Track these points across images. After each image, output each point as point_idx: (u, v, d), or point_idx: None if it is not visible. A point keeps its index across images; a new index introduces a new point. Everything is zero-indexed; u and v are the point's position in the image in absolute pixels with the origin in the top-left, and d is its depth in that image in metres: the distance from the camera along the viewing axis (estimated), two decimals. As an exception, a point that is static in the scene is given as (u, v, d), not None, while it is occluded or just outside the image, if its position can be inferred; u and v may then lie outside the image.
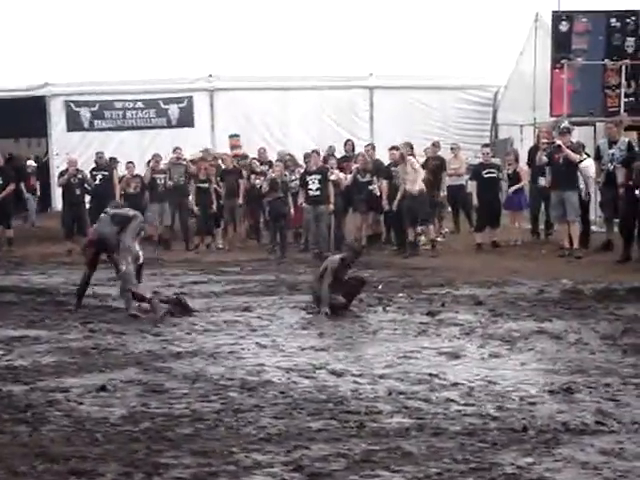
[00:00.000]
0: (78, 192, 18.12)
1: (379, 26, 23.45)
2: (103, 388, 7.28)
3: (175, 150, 18.80)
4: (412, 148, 16.77)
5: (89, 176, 18.44)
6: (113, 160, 19.22)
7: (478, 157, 19.23)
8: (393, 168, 16.68)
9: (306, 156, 17.68)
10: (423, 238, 16.58)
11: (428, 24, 23.48)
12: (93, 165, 18.89)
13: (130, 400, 6.99)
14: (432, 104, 22.47)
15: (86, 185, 18.17)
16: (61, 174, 18.86)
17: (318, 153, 17.39)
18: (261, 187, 17.57)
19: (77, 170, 18.18)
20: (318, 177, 16.73)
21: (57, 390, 7.27)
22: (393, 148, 16.68)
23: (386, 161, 17.17)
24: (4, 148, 28.59)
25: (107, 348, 8.93)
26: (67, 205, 18.40)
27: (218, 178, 18.34)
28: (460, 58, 22.28)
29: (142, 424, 6.36)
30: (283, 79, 22.02)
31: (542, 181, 16.40)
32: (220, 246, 18.10)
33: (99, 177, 18.50)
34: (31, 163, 26.02)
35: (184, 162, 18.50)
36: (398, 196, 16.11)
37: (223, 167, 18.59)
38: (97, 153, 19.21)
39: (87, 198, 18.55)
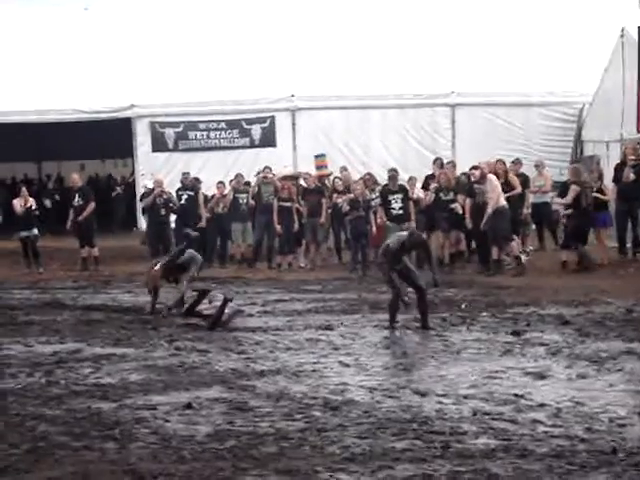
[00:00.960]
0: (163, 212, 18.34)
1: (461, 43, 23.38)
2: (189, 406, 7.37)
3: (265, 169, 18.90)
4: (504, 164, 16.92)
5: (175, 196, 18.69)
6: (197, 180, 19.44)
7: (563, 174, 18.98)
8: (476, 186, 16.54)
9: (389, 174, 17.58)
10: (508, 258, 16.38)
11: (511, 40, 23.32)
12: (178, 185, 19.11)
13: (215, 418, 7.06)
14: (515, 121, 22.25)
15: (171, 205, 18.41)
16: (143, 195, 19.14)
17: (396, 173, 17.40)
18: (342, 206, 17.60)
19: (162, 190, 18.43)
20: (400, 196, 16.71)
21: (144, 407, 7.39)
22: (474, 168, 16.53)
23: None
24: (91, 168, 29.45)
25: (192, 366, 9.03)
26: (152, 225, 18.65)
27: (299, 197, 18.41)
28: (544, 74, 22.05)
29: (227, 442, 6.42)
30: (364, 98, 22.05)
31: (458, 207, 16.48)
32: (302, 265, 18.16)
33: (184, 197, 18.70)
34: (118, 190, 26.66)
35: (272, 181, 18.56)
36: (486, 215, 15.96)
37: (305, 186, 18.66)
38: (183, 173, 19.43)
39: (172, 217, 18.79)
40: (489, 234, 15.94)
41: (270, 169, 18.85)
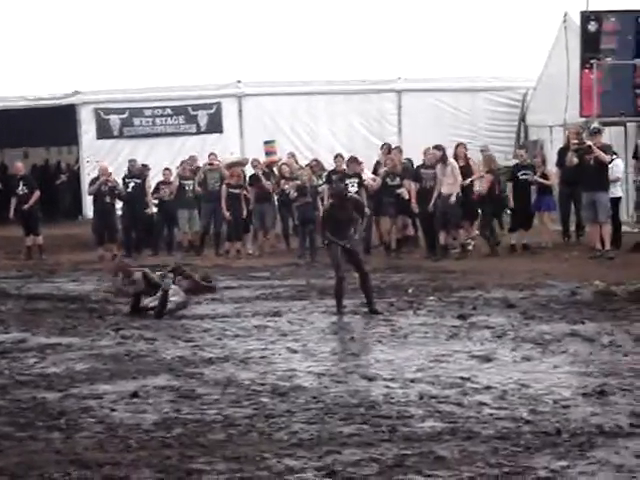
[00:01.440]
0: (108, 200, 18.23)
1: (406, 29, 23.42)
2: (135, 394, 7.32)
3: (210, 156, 18.85)
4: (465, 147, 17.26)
5: (121, 183, 18.56)
6: (145, 167, 19.31)
7: (508, 159, 19.17)
8: (423, 170, 16.64)
9: (348, 160, 17.52)
10: (470, 241, 16.60)
11: (455, 26, 23.43)
12: (125, 172, 18.97)
13: (162, 406, 7.03)
14: (461, 106, 22.39)
15: (117, 192, 18.29)
16: (92, 182, 18.97)
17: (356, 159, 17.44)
18: (290, 193, 17.62)
19: (107, 178, 18.29)
20: (356, 180, 16.73)
21: (90, 397, 7.33)
22: (436, 147, 16.58)
23: (417, 163, 17.19)
24: (36, 156, 29.04)
25: (139, 354, 8.98)
26: (98, 213, 18.53)
27: (247, 183, 18.38)
28: (488, 60, 22.19)
29: (174, 430, 6.39)
30: (311, 84, 22.04)
31: (477, 186, 16.55)
32: (250, 252, 18.13)
33: (132, 184, 18.58)
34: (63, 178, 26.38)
35: (218, 168, 18.51)
36: (433, 198, 16.09)
37: (252, 172, 18.62)
38: (130, 160, 19.31)
39: (119, 205, 18.66)
40: (439, 219, 16.06)
41: (215, 155, 18.80)
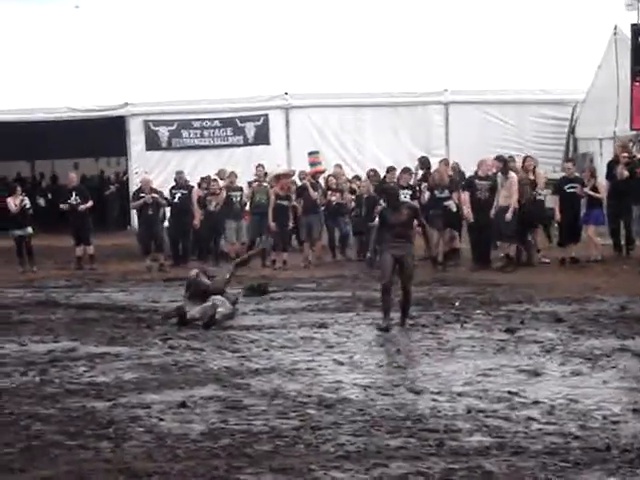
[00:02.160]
0: (151, 212, 18.36)
1: (454, 41, 23.39)
2: (183, 404, 7.38)
3: (257, 167, 18.94)
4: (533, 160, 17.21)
5: (168, 194, 18.74)
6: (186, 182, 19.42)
7: (556, 171, 19.02)
8: (477, 181, 16.58)
9: (402, 171, 17.51)
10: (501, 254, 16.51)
11: (503, 38, 23.34)
12: (172, 184, 19.13)
13: (210, 416, 7.07)
14: (508, 119, 22.29)
15: (162, 204, 18.47)
16: (134, 195, 19.12)
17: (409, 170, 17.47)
18: (338, 204, 17.78)
19: (150, 191, 18.43)
20: (409, 192, 16.72)
21: (139, 406, 7.39)
22: (497, 158, 16.66)
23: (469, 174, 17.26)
24: (85, 167, 29.40)
25: (186, 365, 9.04)
26: (142, 223, 18.74)
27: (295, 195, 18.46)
28: (537, 72, 22.09)
29: (222, 440, 6.42)
30: (358, 96, 22.06)
31: (452, 205, 16.58)
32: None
33: (178, 195, 18.74)
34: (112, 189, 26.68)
35: (266, 184, 18.63)
36: (493, 208, 16.11)
37: (300, 184, 18.69)
38: (177, 172, 19.46)
39: (167, 214, 18.89)
40: (494, 229, 16.08)
41: (263, 167, 18.90)
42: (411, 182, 17.48)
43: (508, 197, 16.12)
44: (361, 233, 17.62)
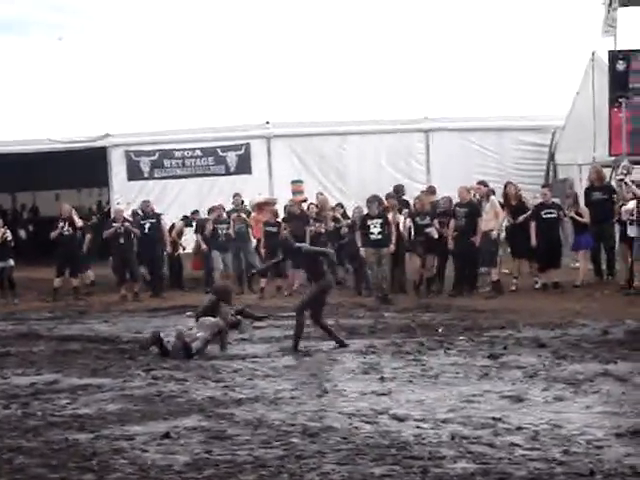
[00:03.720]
0: (122, 240, 18.42)
1: (434, 69, 23.57)
2: (167, 435, 7.34)
3: (235, 196, 19.08)
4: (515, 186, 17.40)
5: (136, 225, 18.77)
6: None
7: (537, 197, 19.11)
8: (457, 208, 16.73)
9: (368, 200, 17.60)
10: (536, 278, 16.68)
11: (483, 66, 23.55)
12: (140, 214, 19.21)
13: (194, 447, 7.03)
14: (488, 146, 22.44)
15: (132, 233, 18.55)
16: (108, 225, 19.16)
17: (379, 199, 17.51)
18: (320, 233, 17.83)
19: (123, 221, 18.53)
20: (380, 221, 16.77)
21: (122, 438, 7.35)
22: (481, 183, 16.92)
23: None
24: (66, 198, 29.36)
25: (170, 395, 9.00)
26: (115, 254, 18.76)
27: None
28: (516, 99, 22.25)
29: (206, 471, 6.40)
30: (339, 124, 22.17)
31: (434, 232, 16.74)
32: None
33: (147, 225, 18.79)
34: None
35: (244, 214, 18.76)
36: (477, 233, 16.27)
37: (289, 211, 18.81)
38: (143, 201, 19.55)
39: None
40: (474, 255, 16.21)
41: (240, 196, 19.05)
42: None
43: (489, 221, 16.30)
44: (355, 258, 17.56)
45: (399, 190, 19.09)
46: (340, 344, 11.60)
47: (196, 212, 20.02)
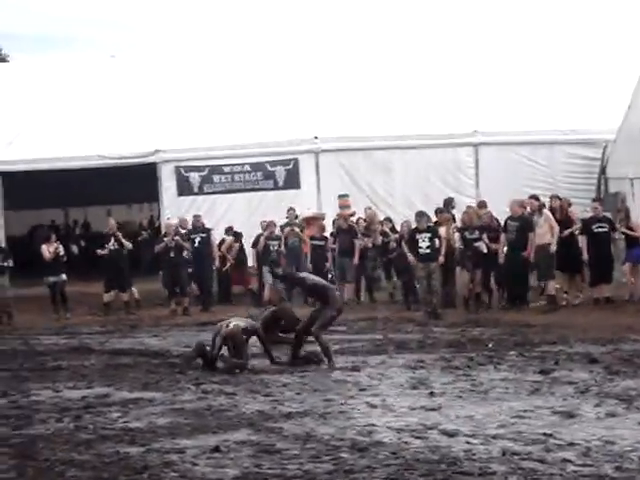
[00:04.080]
0: (172, 254, 18.60)
1: (483, 83, 23.47)
2: (217, 449, 7.37)
3: (289, 211, 19.26)
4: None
5: (187, 239, 18.93)
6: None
7: (587, 211, 18.93)
8: (509, 222, 16.69)
9: (417, 215, 17.58)
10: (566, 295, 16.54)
11: (533, 79, 23.40)
12: (189, 228, 19.40)
13: (243, 461, 7.05)
14: (538, 160, 22.23)
15: (184, 247, 18.69)
16: (159, 240, 19.39)
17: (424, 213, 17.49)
18: (367, 248, 17.84)
19: (174, 235, 18.69)
20: (428, 235, 16.73)
21: (172, 451, 7.39)
22: (533, 197, 16.91)
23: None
24: (117, 214, 29.71)
25: (219, 409, 9.05)
26: (166, 268, 18.92)
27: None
28: (567, 113, 22.07)
29: (256, 485, 6.41)
30: (388, 139, 22.10)
31: (483, 246, 16.66)
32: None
33: (197, 239, 18.94)
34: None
35: (298, 229, 18.86)
36: (529, 247, 16.21)
37: (337, 225, 18.87)
38: (194, 216, 19.75)
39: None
40: (525, 270, 16.16)
41: (294, 210, 19.09)
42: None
43: (544, 235, 16.20)
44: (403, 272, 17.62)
45: (448, 203, 19.01)
46: (297, 362, 11.60)
47: (230, 229, 20.12)
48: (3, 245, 19.94)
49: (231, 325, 11.53)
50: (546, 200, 17.92)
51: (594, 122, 21.61)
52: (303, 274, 12.77)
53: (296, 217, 19.42)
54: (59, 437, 8.08)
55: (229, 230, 20.18)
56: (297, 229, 18.90)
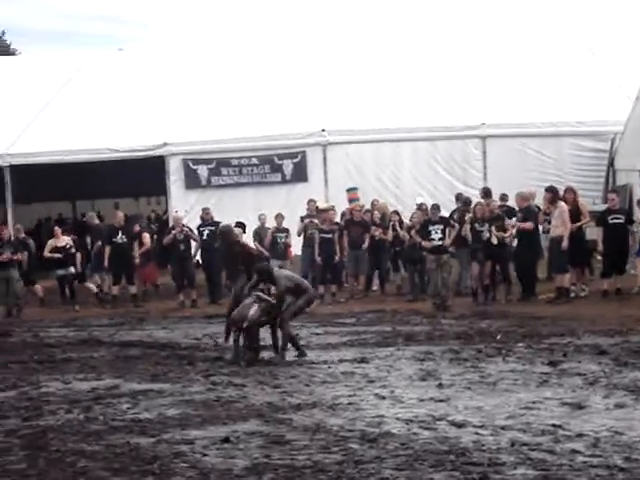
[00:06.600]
0: (182, 247, 18.65)
1: (491, 75, 23.46)
2: (227, 440, 7.40)
3: (309, 202, 19.44)
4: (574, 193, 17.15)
5: (196, 232, 18.96)
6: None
7: (596, 203, 18.91)
8: (519, 214, 16.71)
9: (432, 207, 17.57)
10: (573, 287, 16.50)
11: (540, 71, 23.38)
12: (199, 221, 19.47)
13: (253, 452, 7.08)
14: (546, 152, 22.20)
15: (192, 239, 18.75)
16: (167, 232, 19.43)
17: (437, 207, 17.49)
18: (381, 239, 17.86)
19: (182, 228, 18.73)
20: (441, 227, 16.74)
21: (182, 442, 7.43)
22: (549, 189, 16.79)
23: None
24: (125, 207, 29.78)
25: (229, 400, 9.08)
26: (174, 261, 18.95)
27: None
28: (574, 104, 22.04)
29: (265, 475, 6.44)
30: (395, 131, 22.11)
31: (493, 238, 16.45)
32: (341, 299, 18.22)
33: (206, 232, 18.97)
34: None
35: (317, 221, 18.90)
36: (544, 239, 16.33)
37: (347, 218, 18.88)
38: (203, 209, 19.80)
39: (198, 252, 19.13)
40: (531, 261, 16.18)
41: (314, 202, 19.23)
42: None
43: (557, 227, 16.13)
44: (415, 262, 17.69)
45: (460, 198, 19.09)
46: (280, 356, 11.51)
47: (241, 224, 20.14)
48: (20, 237, 19.79)
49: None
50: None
51: (602, 114, 21.59)
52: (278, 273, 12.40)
53: (316, 209, 19.45)
54: (69, 428, 8.12)
55: (239, 225, 20.19)
56: (316, 221, 18.92)
